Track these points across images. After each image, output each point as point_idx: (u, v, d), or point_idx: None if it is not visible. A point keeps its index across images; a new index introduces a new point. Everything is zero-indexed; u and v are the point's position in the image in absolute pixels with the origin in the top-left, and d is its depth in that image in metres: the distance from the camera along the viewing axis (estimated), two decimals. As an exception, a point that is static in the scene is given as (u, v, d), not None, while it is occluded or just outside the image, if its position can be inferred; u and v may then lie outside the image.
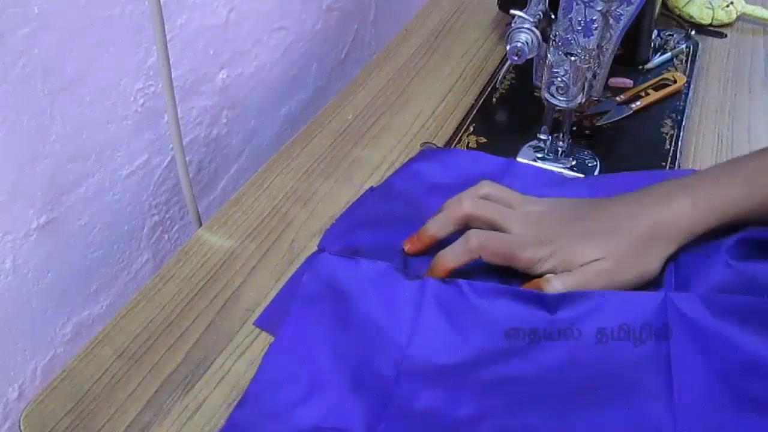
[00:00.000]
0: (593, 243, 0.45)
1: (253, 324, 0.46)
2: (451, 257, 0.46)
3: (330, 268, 0.46)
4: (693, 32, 0.78)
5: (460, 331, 0.43)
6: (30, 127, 0.49)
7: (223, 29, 0.66)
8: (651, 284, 0.45)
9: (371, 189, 0.57)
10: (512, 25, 0.53)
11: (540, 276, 0.45)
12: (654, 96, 0.67)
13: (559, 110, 0.57)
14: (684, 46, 0.75)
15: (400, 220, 0.52)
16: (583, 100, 0.56)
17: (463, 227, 0.48)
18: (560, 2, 0.52)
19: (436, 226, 0.49)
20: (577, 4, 0.51)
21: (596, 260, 0.44)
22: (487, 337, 0.43)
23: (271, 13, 0.73)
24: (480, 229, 0.47)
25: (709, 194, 0.45)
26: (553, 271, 0.45)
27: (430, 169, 0.58)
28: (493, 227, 0.47)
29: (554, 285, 0.44)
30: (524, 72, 0.70)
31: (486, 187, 0.49)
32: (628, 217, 0.46)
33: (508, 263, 0.46)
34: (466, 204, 0.48)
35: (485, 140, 0.64)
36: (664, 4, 0.81)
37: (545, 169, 0.59)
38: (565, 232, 0.46)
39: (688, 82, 0.70)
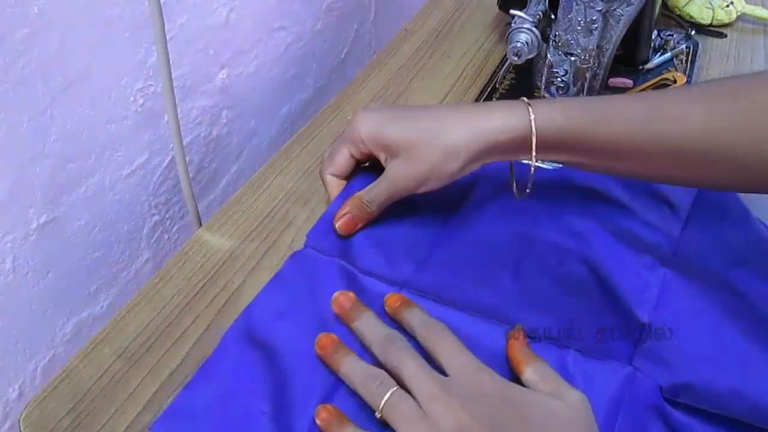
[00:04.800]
0: None
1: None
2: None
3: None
4: (693, 32, 0.78)
5: None
6: (30, 127, 0.49)
7: (223, 29, 0.66)
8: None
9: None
10: (512, 25, 0.53)
11: None
12: (654, 96, 0.67)
13: (559, 110, 0.56)
14: (684, 46, 0.75)
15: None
16: (583, 100, 0.56)
17: None
18: (560, 2, 0.52)
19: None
20: (577, 4, 0.51)
21: None
22: None
23: (271, 13, 0.73)
24: None
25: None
26: None
27: None
28: None
29: None
30: (524, 72, 0.69)
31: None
32: None
33: None
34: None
35: (485, 140, 0.63)
36: (664, 4, 0.81)
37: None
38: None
39: (688, 82, 0.70)
